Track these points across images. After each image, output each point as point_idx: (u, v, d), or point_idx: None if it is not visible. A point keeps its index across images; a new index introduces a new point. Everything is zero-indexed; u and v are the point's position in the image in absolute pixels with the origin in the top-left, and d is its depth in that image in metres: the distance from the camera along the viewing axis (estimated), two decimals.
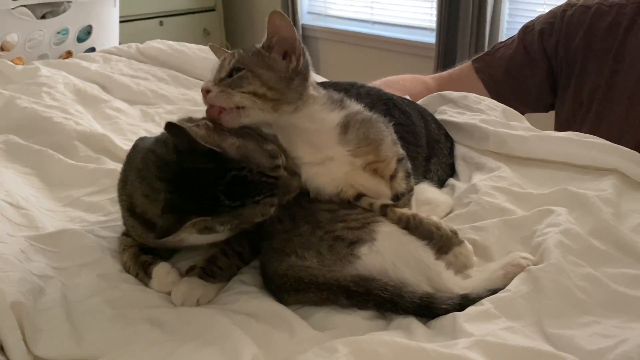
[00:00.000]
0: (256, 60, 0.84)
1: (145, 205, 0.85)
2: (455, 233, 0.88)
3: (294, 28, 0.85)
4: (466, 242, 0.89)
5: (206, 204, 0.77)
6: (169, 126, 0.76)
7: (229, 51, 0.91)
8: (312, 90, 0.89)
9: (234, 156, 0.78)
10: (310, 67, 0.89)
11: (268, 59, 0.85)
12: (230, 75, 0.83)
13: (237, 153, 0.79)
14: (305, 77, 0.87)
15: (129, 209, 0.90)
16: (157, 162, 0.82)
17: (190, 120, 0.88)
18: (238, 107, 0.83)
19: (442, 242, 0.85)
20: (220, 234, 0.83)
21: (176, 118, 0.88)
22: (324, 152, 0.88)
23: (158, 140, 0.87)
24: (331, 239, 0.83)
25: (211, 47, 0.96)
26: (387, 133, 0.93)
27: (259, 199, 0.79)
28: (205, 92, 0.83)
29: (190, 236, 0.82)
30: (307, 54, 0.88)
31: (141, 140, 1.01)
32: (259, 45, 0.86)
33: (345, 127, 0.89)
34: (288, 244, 0.85)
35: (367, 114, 0.93)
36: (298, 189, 0.86)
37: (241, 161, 0.78)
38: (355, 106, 0.93)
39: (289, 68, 0.85)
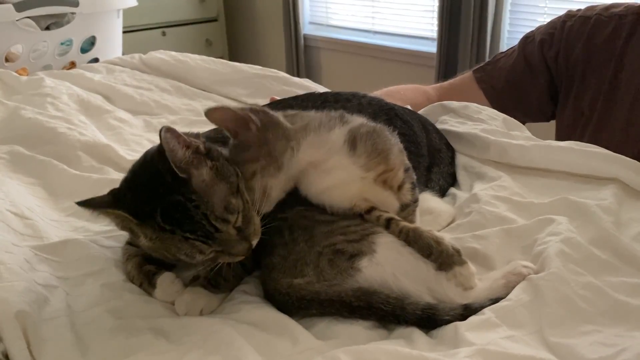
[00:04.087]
0: (234, 154, 0.86)
1: None
2: (458, 252, 0.85)
3: (230, 109, 0.85)
4: (469, 263, 0.85)
5: (143, 209, 0.77)
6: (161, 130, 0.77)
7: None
8: (291, 126, 0.88)
9: (193, 186, 0.77)
10: (271, 114, 0.88)
11: (239, 143, 0.86)
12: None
13: (197, 185, 0.78)
14: (273, 124, 0.86)
15: None
16: (144, 157, 0.83)
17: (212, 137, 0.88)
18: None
19: (442, 259, 0.83)
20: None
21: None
22: (337, 176, 0.88)
23: None
24: (331, 253, 0.83)
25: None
26: (394, 141, 0.93)
27: (190, 237, 0.77)
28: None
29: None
30: (249, 109, 0.86)
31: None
32: (230, 144, 0.87)
33: (353, 142, 0.88)
34: (287, 261, 0.85)
35: (371, 124, 0.93)
36: (242, 256, 0.82)
37: (194, 193, 0.77)
38: (357, 119, 0.93)
39: (250, 131, 0.85)
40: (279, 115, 0.89)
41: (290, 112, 0.93)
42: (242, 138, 0.86)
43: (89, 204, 0.81)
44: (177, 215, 0.76)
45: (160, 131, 0.75)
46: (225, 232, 0.79)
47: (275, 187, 0.87)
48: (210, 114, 0.84)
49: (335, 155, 0.88)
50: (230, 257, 0.82)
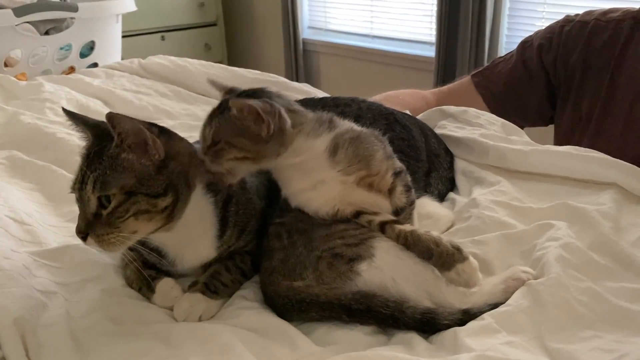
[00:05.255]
0: (230, 130, 0.85)
1: None
2: (458, 249, 0.84)
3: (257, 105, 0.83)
4: (471, 258, 0.84)
5: (100, 137, 0.87)
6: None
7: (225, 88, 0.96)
8: (291, 131, 0.86)
9: (115, 153, 0.83)
10: (286, 120, 0.86)
11: (241, 125, 0.84)
12: (213, 143, 0.86)
13: (117, 155, 0.83)
14: (281, 132, 0.85)
15: None
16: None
17: None
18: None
19: (442, 259, 0.82)
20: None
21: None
22: (314, 177, 0.88)
23: None
24: (330, 257, 0.83)
25: (211, 83, 1.01)
26: (378, 147, 0.92)
27: (84, 168, 0.84)
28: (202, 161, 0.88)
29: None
30: (278, 112, 0.85)
31: None
32: (233, 111, 0.84)
33: (334, 149, 0.88)
34: (287, 264, 0.85)
35: (356, 130, 0.92)
36: (76, 232, 0.84)
37: (110, 157, 0.84)
38: (345, 124, 0.92)
39: (261, 132, 0.84)
40: (288, 120, 0.87)
41: (295, 106, 0.91)
42: (247, 124, 0.84)
43: (74, 115, 0.92)
44: (97, 154, 0.85)
45: (116, 119, 0.82)
46: (84, 194, 0.83)
47: (243, 172, 0.90)
48: (234, 104, 0.83)
49: (314, 160, 0.87)
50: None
